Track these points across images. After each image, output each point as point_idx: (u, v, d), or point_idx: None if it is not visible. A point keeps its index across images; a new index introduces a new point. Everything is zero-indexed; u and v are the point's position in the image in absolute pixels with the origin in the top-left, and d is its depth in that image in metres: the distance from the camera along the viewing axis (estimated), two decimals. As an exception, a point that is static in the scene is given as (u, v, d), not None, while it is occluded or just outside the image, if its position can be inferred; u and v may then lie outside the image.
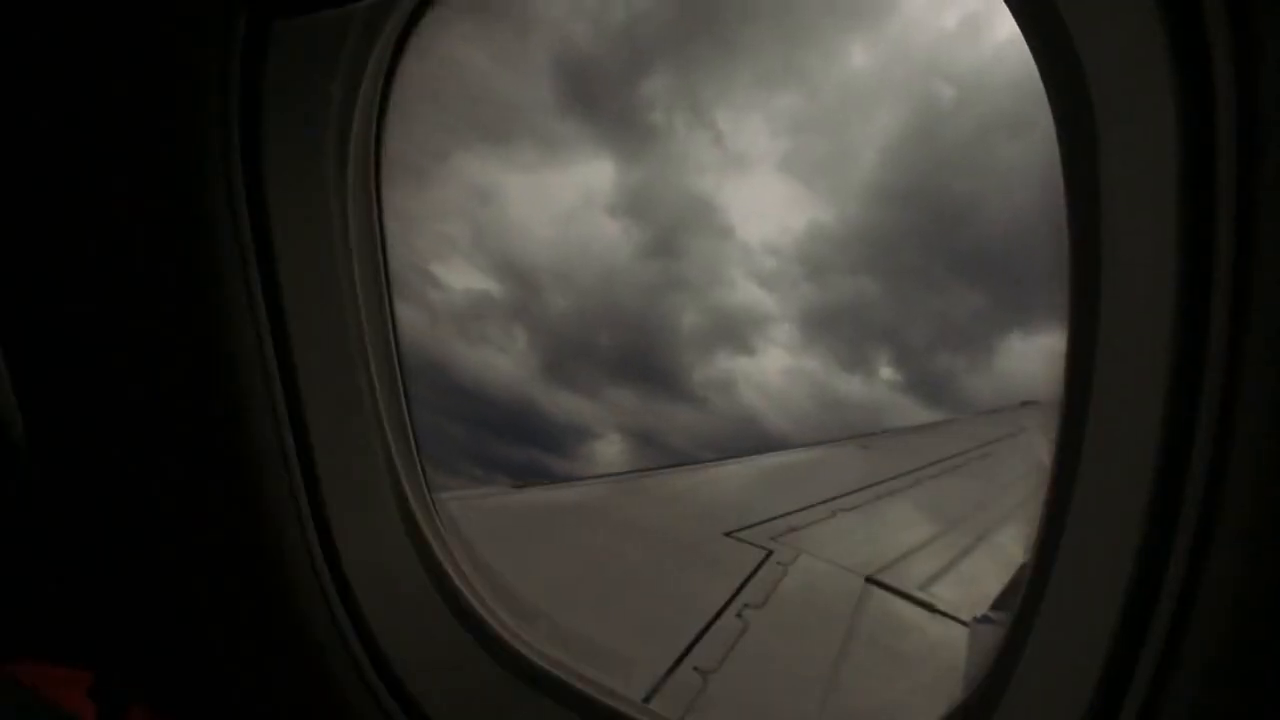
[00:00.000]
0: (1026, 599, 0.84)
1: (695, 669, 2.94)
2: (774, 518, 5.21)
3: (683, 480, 6.52)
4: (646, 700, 2.54)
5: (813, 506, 5.68)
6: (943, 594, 4.41)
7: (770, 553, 4.51)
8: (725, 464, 7.39)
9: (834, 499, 5.99)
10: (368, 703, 1.11)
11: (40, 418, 1.06)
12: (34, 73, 0.93)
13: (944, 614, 4.08)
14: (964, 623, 3.95)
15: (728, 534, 4.79)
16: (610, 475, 6.34)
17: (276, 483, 1.03)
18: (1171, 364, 0.64)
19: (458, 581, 1.24)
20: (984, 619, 2.94)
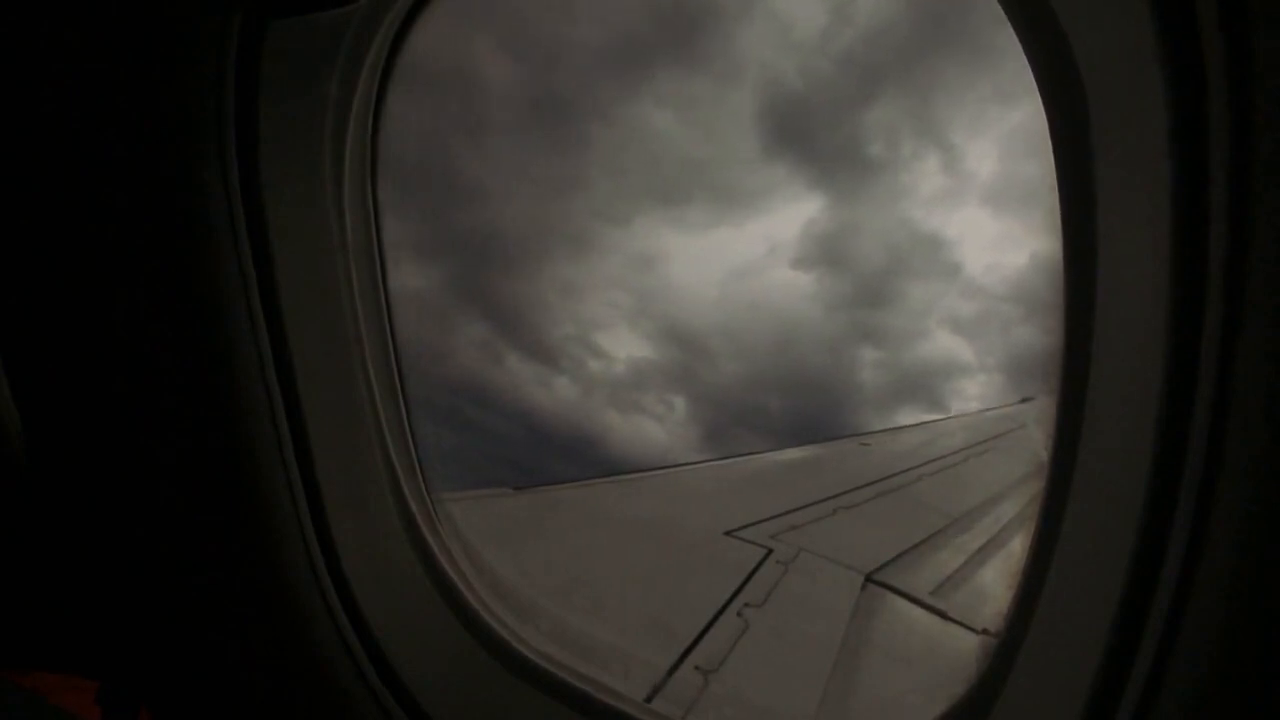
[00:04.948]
0: (1022, 599, 0.84)
1: (696, 668, 2.94)
2: (774, 516, 5.21)
3: (683, 479, 6.52)
4: (648, 700, 2.54)
5: (813, 505, 5.68)
6: (943, 593, 4.40)
7: (770, 551, 4.50)
8: (725, 463, 7.37)
9: (834, 497, 5.98)
10: (368, 702, 1.11)
11: (39, 419, 1.06)
12: (30, 73, 0.93)
13: (943, 614, 4.08)
14: (962, 623, 3.94)
15: (728, 533, 4.78)
16: (610, 476, 6.33)
17: (275, 484, 1.03)
18: (1166, 365, 0.64)
19: (458, 581, 1.24)
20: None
